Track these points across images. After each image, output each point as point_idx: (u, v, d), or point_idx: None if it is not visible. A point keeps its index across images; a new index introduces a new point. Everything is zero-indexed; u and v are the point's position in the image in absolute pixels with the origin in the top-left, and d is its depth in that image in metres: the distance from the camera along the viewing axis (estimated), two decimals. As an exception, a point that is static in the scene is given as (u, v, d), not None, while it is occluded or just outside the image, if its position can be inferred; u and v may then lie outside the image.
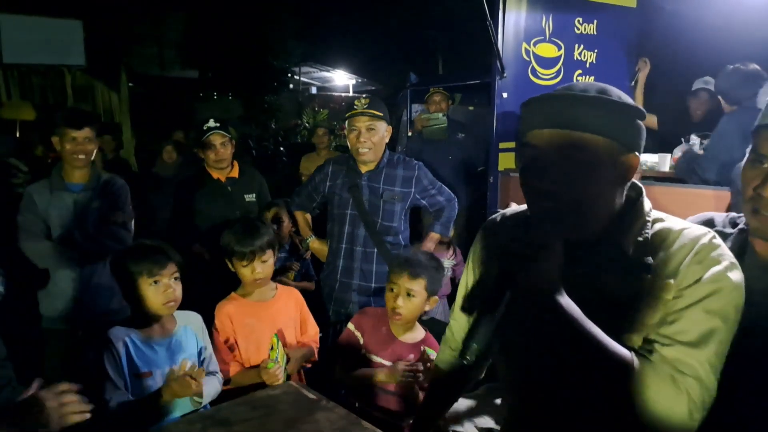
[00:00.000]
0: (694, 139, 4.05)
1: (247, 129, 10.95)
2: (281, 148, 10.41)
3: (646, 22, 4.57)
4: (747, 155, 1.20)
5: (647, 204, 1.15)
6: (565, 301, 0.98)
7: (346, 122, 2.92)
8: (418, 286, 2.23)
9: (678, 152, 4.06)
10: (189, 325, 2.23)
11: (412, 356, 2.28)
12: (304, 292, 3.47)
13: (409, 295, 2.23)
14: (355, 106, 2.86)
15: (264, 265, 2.36)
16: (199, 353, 2.23)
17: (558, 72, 4.26)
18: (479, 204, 4.40)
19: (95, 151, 2.94)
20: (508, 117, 4.14)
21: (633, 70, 4.45)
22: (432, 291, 2.28)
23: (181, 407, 2.07)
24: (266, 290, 2.44)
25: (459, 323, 1.51)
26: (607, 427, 1.07)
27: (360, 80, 13.79)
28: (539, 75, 4.20)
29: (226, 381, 2.28)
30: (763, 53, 3.59)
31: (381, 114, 2.86)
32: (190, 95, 12.16)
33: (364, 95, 2.94)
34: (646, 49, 4.54)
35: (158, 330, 2.15)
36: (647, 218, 1.12)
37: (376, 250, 2.85)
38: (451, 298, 4.01)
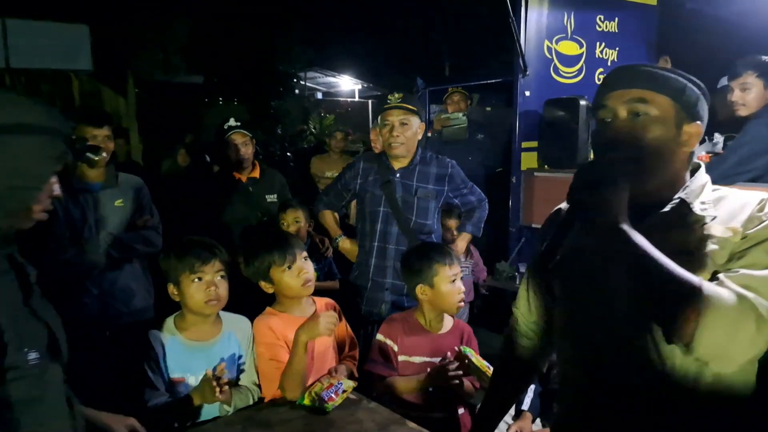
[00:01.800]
0: (718, 138, 4.00)
1: (253, 134, 10.87)
2: (288, 154, 10.36)
3: (667, 20, 4.54)
4: None
5: (705, 176, 1.26)
6: (633, 232, 1.05)
7: (379, 117, 2.85)
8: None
9: (702, 151, 4.00)
10: (235, 331, 2.11)
11: (450, 353, 2.21)
12: (329, 292, 3.42)
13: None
14: (389, 101, 2.80)
15: (307, 263, 2.14)
16: (238, 361, 2.10)
17: (580, 70, 4.23)
18: (500, 205, 4.34)
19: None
20: (530, 116, 4.10)
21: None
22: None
23: (210, 414, 1.96)
24: (306, 304, 2.19)
25: (528, 311, 1.52)
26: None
27: (366, 85, 13.78)
28: (561, 73, 4.16)
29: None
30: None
31: (415, 108, 2.81)
32: (195, 100, 12.13)
33: (397, 92, 2.85)
34: (667, 47, 4.50)
35: (201, 333, 2.04)
36: (706, 185, 1.24)
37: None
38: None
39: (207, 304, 1.97)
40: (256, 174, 3.57)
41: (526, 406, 2.56)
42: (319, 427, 1.80)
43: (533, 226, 4.10)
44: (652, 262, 1.03)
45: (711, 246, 1.12)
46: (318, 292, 2.56)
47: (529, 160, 4.16)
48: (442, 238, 3.12)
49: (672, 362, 1.14)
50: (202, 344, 2.02)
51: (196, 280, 1.97)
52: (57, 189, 1.26)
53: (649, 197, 1.20)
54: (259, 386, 2.08)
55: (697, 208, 1.18)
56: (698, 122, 1.21)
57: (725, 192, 1.23)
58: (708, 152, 3.85)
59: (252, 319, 2.14)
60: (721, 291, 1.02)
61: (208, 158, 6.71)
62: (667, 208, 1.19)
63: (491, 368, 2.03)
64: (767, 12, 4.08)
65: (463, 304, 2.26)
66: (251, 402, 2.04)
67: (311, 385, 1.96)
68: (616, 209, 1.06)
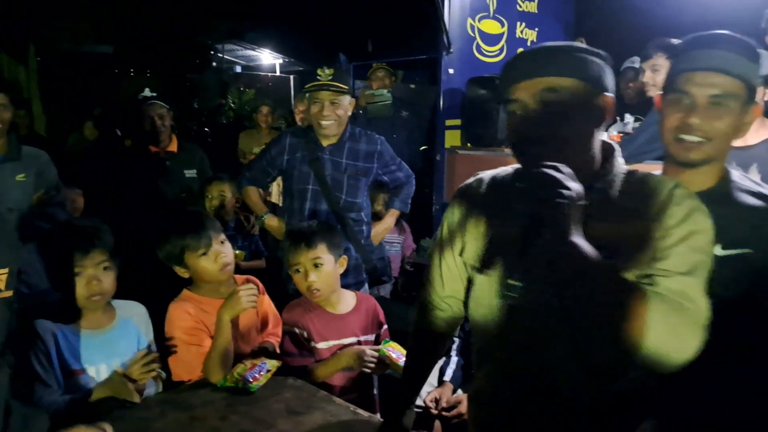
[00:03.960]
0: (628, 119, 4.18)
1: (170, 107, 10.42)
2: (206, 129, 10.00)
3: (584, 2, 4.68)
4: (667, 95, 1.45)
5: (621, 157, 1.27)
6: (582, 240, 1.05)
7: (308, 94, 2.75)
8: (321, 253, 2.10)
9: (614, 131, 4.17)
10: (132, 317, 1.99)
11: (360, 335, 2.20)
12: (256, 271, 3.34)
13: (316, 266, 2.10)
14: (319, 77, 2.69)
15: (224, 247, 2.04)
16: (148, 348, 2.00)
17: (501, 49, 4.29)
18: (424, 182, 4.37)
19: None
20: (453, 93, 4.13)
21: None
22: (336, 253, 2.17)
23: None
24: (225, 284, 2.08)
25: (441, 286, 1.50)
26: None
27: (287, 60, 13.46)
28: (483, 52, 4.20)
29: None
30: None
31: (346, 88, 2.73)
32: (105, 72, 11.46)
33: (327, 66, 2.71)
34: (584, 29, 4.65)
35: (92, 322, 1.89)
36: (623, 168, 1.24)
37: (339, 226, 2.74)
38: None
39: (89, 299, 1.84)
40: (174, 148, 3.42)
41: (448, 377, 2.60)
42: (243, 407, 1.76)
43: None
44: (600, 270, 1.05)
45: (633, 241, 1.14)
46: (245, 271, 2.48)
47: (452, 138, 4.20)
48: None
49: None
50: (97, 332, 1.89)
51: (76, 274, 1.81)
52: None
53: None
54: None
55: (616, 196, 1.19)
56: (607, 93, 1.19)
57: (641, 173, 1.25)
58: (619, 132, 4.02)
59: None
60: (662, 296, 1.06)
61: (119, 132, 6.38)
62: (590, 198, 1.12)
63: None
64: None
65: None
66: (160, 388, 1.95)
67: (233, 366, 1.91)
68: (570, 227, 1.02)
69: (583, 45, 1.22)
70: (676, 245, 1.12)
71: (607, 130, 4.15)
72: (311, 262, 2.09)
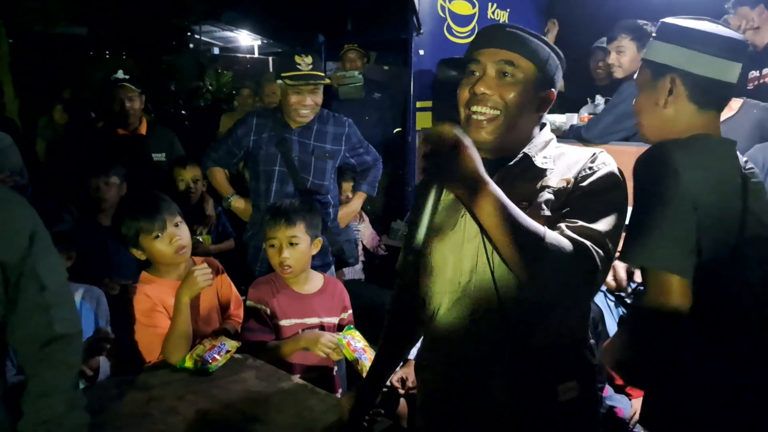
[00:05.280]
0: (599, 100, 4.20)
1: (144, 90, 10.28)
2: (183, 112, 9.89)
3: (556, -17, 4.67)
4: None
5: (550, 133, 1.39)
6: (491, 186, 1.10)
7: (286, 80, 2.70)
8: (298, 232, 2.15)
9: (584, 112, 4.20)
10: (86, 301, 2.05)
11: (324, 316, 2.22)
12: (225, 254, 3.34)
13: (291, 244, 2.14)
14: (298, 65, 2.66)
15: (180, 229, 2.03)
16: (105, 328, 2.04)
17: (473, 30, 4.27)
18: (396, 165, 4.37)
19: None
20: (424, 75, 4.11)
21: (543, 31, 4.53)
22: (313, 234, 2.22)
23: None
24: (184, 266, 2.08)
25: (408, 268, 1.55)
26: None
27: (266, 41, 13.33)
28: (455, 33, 4.19)
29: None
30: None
31: (325, 76, 2.75)
32: (79, 54, 11.26)
33: (305, 53, 2.66)
34: (555, 10, 4.64)
35: None
36: (550, 142, 1.37)
37: None
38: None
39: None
40: (143, 130, 3.39)
41: (411, 355, 2.64)
42: (201, 387, 1.77)
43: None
44: (505, 213, 1.09)
45: (547, 195, 1.25)
46: (215, 255, 2.47)
47: (424, 120, 4.19)
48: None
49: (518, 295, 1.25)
50: None
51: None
52: None
53: (501, 152, 1.31)
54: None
55: (538, 161, 1.31)
56: (553, 89, 1.33)
57: (566, 149, 1.35)
58: (590, 113, 4.05)
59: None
60: (562, 239, 1.12)
61: (93, 115, 6.30)
62: (512, 163, 1.31)
63: (368, 351, 2.06)
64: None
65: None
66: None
67: (193, 348, 1.92)
68: (470, 168, 1.08)
69: (548, 41, 1.33)
70: (584, 196, 1.22)
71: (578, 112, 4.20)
72: (288, 239, 2.14)
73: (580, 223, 1.16)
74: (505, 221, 1.09)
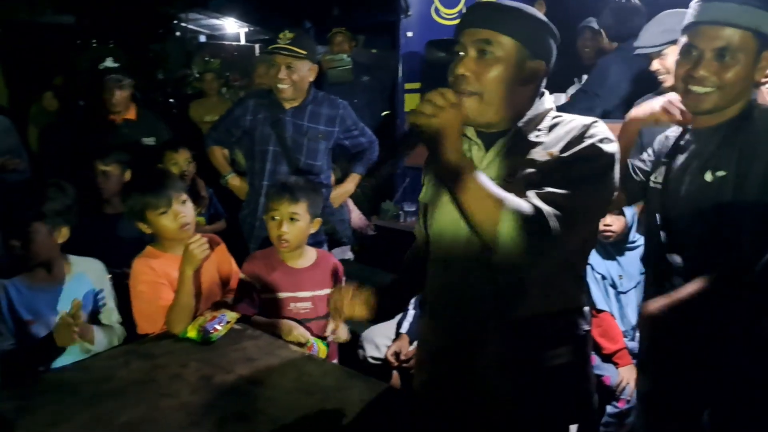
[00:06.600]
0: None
1: (131, 78, 10.21)
2: (171, 100, 9.85)
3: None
4: (679, 48, 1.54)
5: (549, 103, 1.40)
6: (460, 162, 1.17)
7: (264, 53, 2.80)
8: (300, 209, 2.22)
9: (571, 91, 4.26)
10: (86, 272, 2.12)
11: (316, 290, 2.29)
12: (218, 234, 3.39)
13: (292, 219, 2.21)
14: (278, 40, 2.73)
15: (185, 207, 2.12)
16: (95, 300, 2.14)
17: (460, 12, 4.31)
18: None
19: None
20: (413, 57, 4.17)
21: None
22: (314, 213, 2.28)
23: (73, 355, 1.99)
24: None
25: (418, 230, 1.66)
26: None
27: (252, 28, 13.25)
28: (442, 14, 4.24)
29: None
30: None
31: (304, 53, 2.77)
32: (66, 43, 11.15)
33: (290, 31, 2.73)
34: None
35: (45, 276, 2.04)
36: (547, 114, 1.38)
37: None
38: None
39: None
40: (132, 116, 3.43)
41: (404, 329, 2.72)
42: (203, 355, 1.84)
43: (417, 166, 4.22)
44: (471, 183, 1.16)
45: (530, 170, 1.29)
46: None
47: (412, 102, 4.26)
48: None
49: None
50: (49, 286, 2.04)
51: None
52: None
53: (495, 127, 1.36)
54: (123, 325, 2.15)
55: (532, 136, 1.34)
56: (541, 60, 1.33)
57: (562, 118, 1.37)
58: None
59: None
60: (522, 203, 1.17)
61: (82, 103, 6.29)
62: (504, 138, 1.35)
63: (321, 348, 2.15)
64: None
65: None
66: (116, 341, 2.09)
67: (195, 319, 1.99)
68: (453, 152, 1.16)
69: (533, 11, 1.33)
70: (564, 167, 1.25)
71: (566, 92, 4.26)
72: (289, 214, 2.21)
73: (548, 189, 1.20)
74: (467, 191, 1.16)
